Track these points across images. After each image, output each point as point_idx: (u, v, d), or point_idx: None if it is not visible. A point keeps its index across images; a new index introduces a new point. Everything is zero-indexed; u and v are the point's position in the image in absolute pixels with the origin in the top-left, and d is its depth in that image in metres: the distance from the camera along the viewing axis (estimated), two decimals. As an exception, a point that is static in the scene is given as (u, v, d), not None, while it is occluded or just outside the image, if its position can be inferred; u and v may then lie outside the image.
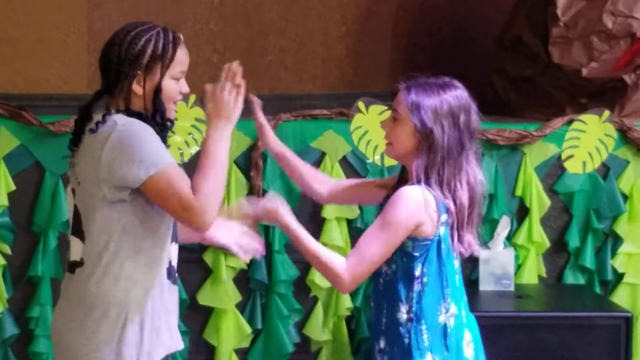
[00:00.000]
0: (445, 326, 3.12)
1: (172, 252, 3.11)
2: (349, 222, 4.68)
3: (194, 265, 4.62)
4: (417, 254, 3.09)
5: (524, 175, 4.81)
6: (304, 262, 4.67)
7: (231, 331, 4.67)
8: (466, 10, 6.02)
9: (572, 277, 4.89)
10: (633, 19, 5.02)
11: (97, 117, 3.00)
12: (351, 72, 5.78)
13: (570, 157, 4.84)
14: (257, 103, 3.41)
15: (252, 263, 4.65)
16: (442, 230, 3.10)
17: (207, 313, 4.69)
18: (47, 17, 5.14)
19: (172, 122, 3.11)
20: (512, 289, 4.70)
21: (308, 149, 4.65)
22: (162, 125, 3.06)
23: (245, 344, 4.72)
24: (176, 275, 3.15)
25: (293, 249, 4.62)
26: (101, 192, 2.96)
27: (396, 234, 3.06)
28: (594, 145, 4.83)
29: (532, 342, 4.34)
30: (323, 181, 3.49)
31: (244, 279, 4.68)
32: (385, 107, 4.62)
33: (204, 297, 4.66)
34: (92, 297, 3.00)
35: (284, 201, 3.18)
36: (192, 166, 4.57)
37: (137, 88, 3.01)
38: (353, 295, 4.69)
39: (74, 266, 3.05)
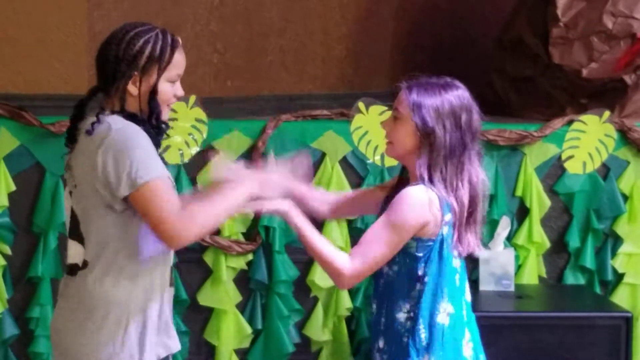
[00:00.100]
0: (442, 325, 3.12)
1: (170, 254, 3.11)
2: (349, 222, 4.68)
3: (195, 265, 4.62)
4: (420, 255, 3.09)
5: (524, 176, 4.81)
6: (304, 263, 4.68)
7: (231, 331, 4.67)
8: (466, 10, 6.02)
9: (572, 278, 4.89)
10: (633, 20, 5.02)
11: (92, 117, 3.00)
12: (351, 73, 5.78)
13: (570, 157, 4.84)
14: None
15: (253, 263, 4.65)
16: (445, 230, 3.09)
17: (207, 313, 4.69)
18: (48, 17, 5.14)
19: (167, 125, 3.11)
20: (512, 289, 4.70)
21: (308, 149, 4.64)
22: (157, 127, 3.06)
23: (246, 344, 4.72)
24: (172, 276, 3.16)
25: (293, 249, 4.65)
26: (98, 194, 2.96)
27: (401, 234, 3.05)
28: (594, 146, 4.83)
29: (532, 342, 4.34)
30: (323, 199, 3.46)
31: (244, 279, 4.68)
32: (386, 108, 4.62)
33: (204, 298, 4.66)
34: (92, 298, 3.00)
35: (286, 173, 3.17)
36: (192, 166, 4.58)
37: (132, 88, 3.01)
38: (353, 295, 4.69)
39: (73, 269, 3.05)
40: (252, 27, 5.55)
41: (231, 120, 4.73)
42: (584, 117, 4.85)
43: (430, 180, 3.08)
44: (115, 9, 5.22)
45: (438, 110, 3.09)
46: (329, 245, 3.13)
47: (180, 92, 3.09)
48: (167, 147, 4.49)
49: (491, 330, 4.19)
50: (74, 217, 3.05)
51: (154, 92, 3.01)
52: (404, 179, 3.25)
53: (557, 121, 4.85)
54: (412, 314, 3.11)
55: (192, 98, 4.57)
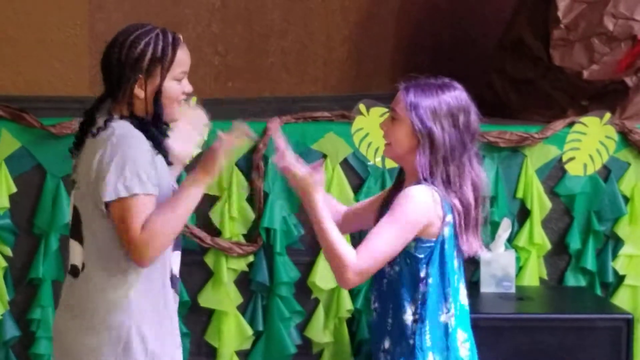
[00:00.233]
0: (446, 326, 3.12)
1: (173, 260, 3.11)
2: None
3: (195, 267, 4.62)
4: (421, 256, 3.09)
5: (525, 178, 4.81)
6: (305, 264, 4.68)
7: (232, 333, 4.67)
8: (466, 10, 6.01)
9: (573, 279, 4.89)
10: (634, 21, 5.02)
11: (100, 122, 3.00)
12: (352, 74, 5.78)
13: (571, 159, 4.84)
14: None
15: (254, 265, 4.65)
16: (447, 231, 3.09)
17: (208, 315, 4.69)
18: (48, 17, 5.14)
19: (167, 125, 3.11)
20: (513, 290, 4.70)
21: (309, 151, 4.64)
22: (161, 129, 3.06)
23: (247, 345, 4.72)
24: (178, 283, 3.15)
25: (294, 251, 4.65)
26: (98, 195, 2.96)
27: (406, 231, 3.04)
28: (595, 148, 4.83)
29: (533, 344, 4.34)
30: (336, 210, 3.40)
31: (245, 280, 4.68)
32: (387, 109, 4.60)
33: (205, 299, 4.66)
34: (95, 301, 3.00)
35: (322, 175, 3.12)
36: (192, 167, 4.57)
37: (139, 92, 3.01)
38: (354, 296, 4.69)
39: (75, 270, 3.06)
40: (253, 29, 5.54)
41: (232, 121, 4.72)
42: (584, 119, 4.85)
43: (433, 180, 3.08)
44: (116, 10, 5.21)
45: (435, 111, 3.09)
46: (341, 238, 3.06)
47: (188, 88, 3.10)
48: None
49: (492, 331, 4.20)
50: (76, 217, 3.06)
51: (159, 93, 3.02)
52: (401, 181, 3.24)
53: (558, 123, 4.85)
54: (417, 316, 3.10)
55: (194, 100, 4.56)
